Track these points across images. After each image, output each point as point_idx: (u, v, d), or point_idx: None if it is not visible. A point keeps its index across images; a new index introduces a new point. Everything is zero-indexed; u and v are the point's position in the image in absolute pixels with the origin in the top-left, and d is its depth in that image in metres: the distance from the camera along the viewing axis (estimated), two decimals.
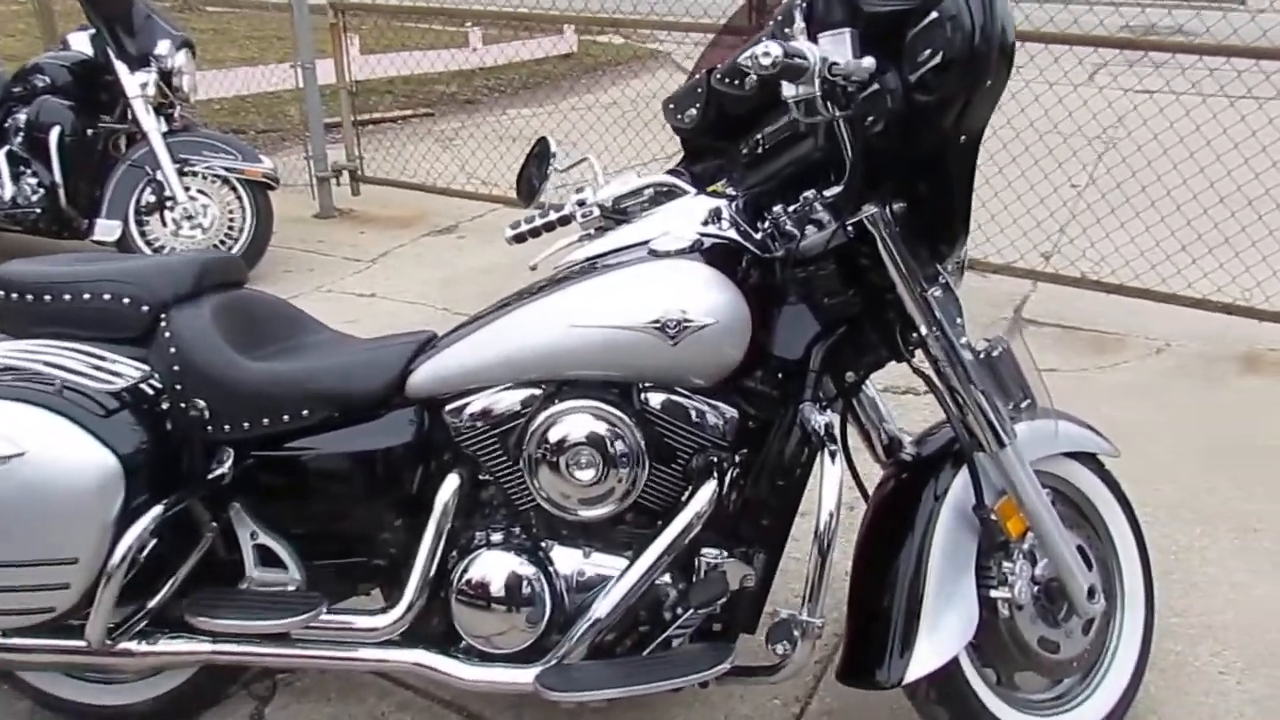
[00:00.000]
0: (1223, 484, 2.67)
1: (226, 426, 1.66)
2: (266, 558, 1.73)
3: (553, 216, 1.86)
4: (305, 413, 1.67)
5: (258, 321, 1.81)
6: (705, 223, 1.67)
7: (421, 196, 5.34)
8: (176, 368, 1.64)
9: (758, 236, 1.68)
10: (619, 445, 1.61)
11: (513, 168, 5.24)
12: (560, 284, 1.68)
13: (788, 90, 1.46)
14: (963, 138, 1.51)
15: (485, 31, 9.08)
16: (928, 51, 1.43)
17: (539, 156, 1.90)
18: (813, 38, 1.47)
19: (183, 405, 1.64)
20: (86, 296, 1.65)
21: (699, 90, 1.81)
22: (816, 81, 1.42)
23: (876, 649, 1.64)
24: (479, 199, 5.26)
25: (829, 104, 1.46)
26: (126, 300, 1.65)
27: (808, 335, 1.67)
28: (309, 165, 5.18)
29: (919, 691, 1.68)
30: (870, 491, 1.84)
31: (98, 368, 1.58)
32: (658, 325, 1.56)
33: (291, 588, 1.72)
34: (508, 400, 1.66)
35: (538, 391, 1.66)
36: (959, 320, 1.63)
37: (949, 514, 1.68)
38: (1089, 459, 1.89)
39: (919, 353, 1.68)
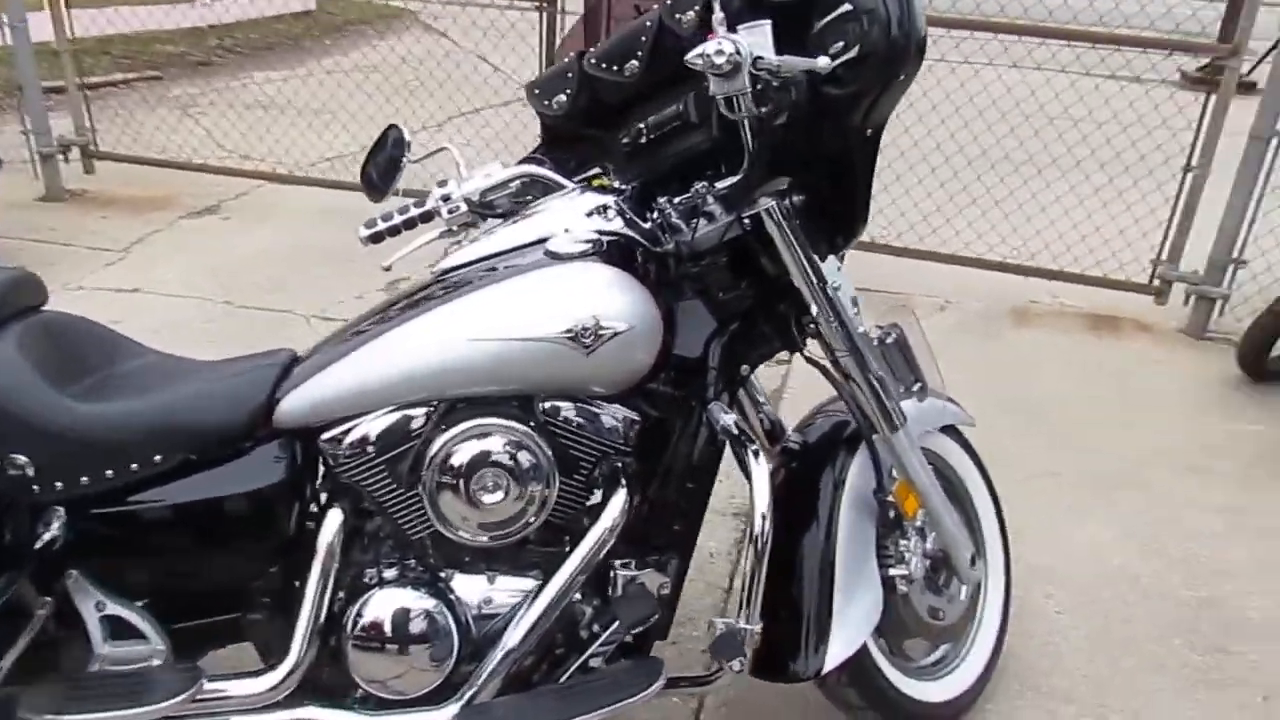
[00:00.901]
0: (1013, 434, 2.91)
1: (58, 484, 1.38)
2: (118, 629, 1.47)
3: (413, 212, 1.70)
4: (157, 458, 1.42)
5: (70, 350, 1.52)
6: (597, 219, 1.58)
7: (169, 174, 4.80)
8: None
9: (648, 230, 1.61)
10: (528, 464, 1.50)
11: (268, 138, 4.97)
12: (449, 293, 1.53)
13: (717, 87, 1.39)
14: (869, 130, 1.51)
15: None
16: (840, 44, 1.40)
17: (388, 146, 1.72)
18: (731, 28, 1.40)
19: (3, 464, 1.35)
20: None
21: (569, 75, 1.70)
22: (746, 78, 1.36)
23: (790, 642, 1.64)
24: (239, 175, 4.80)
25: (753, 101, 1.40)
26: None
27: (705, 331, 1.62)
28: (28, 140, 4.49)
29: (829, 677, 1.71)
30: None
31: None
32: (570, 334, 1.46)
33: (156, 661, 1.48)
34: (395, 423, 1.50)
35: (427, 411, 1.51)
36: (855, 309, 1.64)
37: (849, 500, 1.70)
38: (951, 429, 1.98)
39: (810, 341, 1.69)
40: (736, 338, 1.65)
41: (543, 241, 1.55)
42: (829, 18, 1.42)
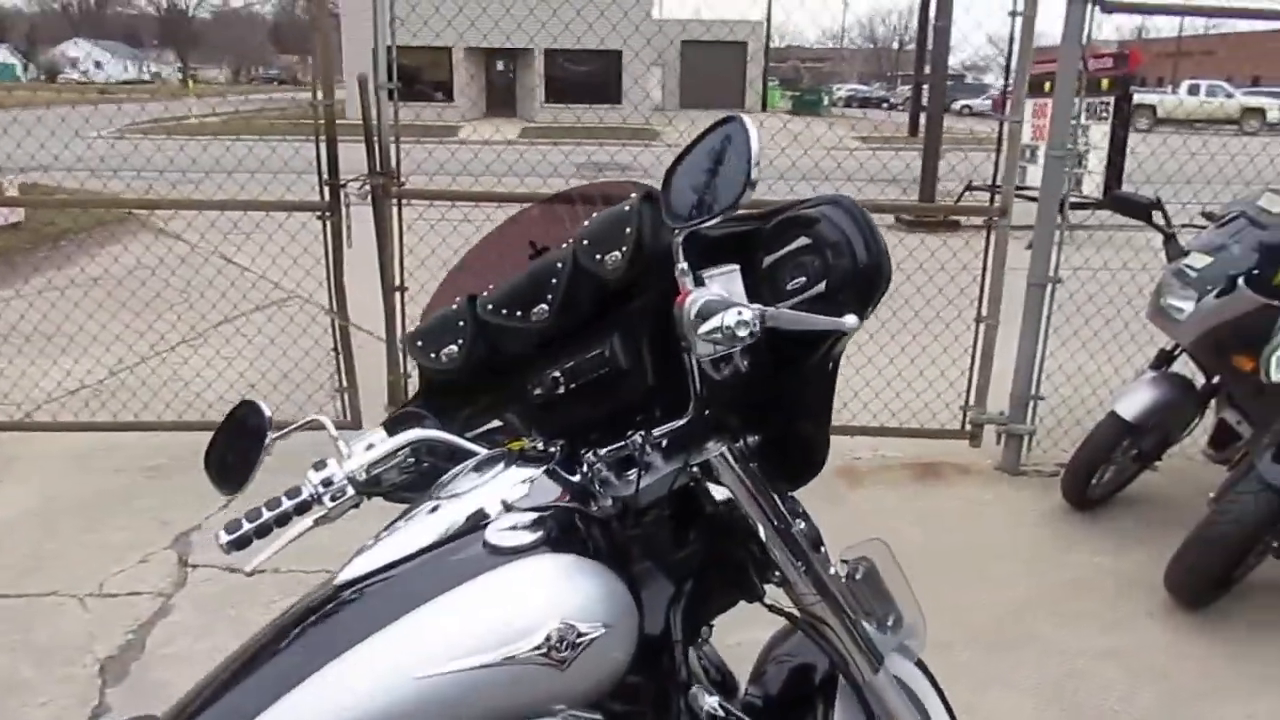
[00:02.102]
0: None
1: None
2: None
3: (286, 505, 1.38)
4: None
5: None
6: (530, 493, 1.35)
7: None
8: None
9: (584, 494, 1.39)
10: None
11: (10, 373, 4.29)
12: (365, 614, 1.22)
13: (705, 348, 1.22)
14: (830, 364, 1.39)
15: None
16: (801, 279, 1.29)
17: (242, 424, 1.43)
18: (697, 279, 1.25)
19: None
20: None
21: (460, 323, 1.48)
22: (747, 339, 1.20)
23: None
24: None
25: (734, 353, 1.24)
26: None
27: (664, 600, 1.41)
28: None
29: None
30: None
31: None
32: (542, 651, 1.19)
33: None
34: None
35: None
36: (822, 549, 1.49)
37: None
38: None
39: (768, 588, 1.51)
40: (693, 598, 1.45)
41: (469, 533, 1.29)
42: (782, 252, 1.30)
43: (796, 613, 1.52)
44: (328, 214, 3.71)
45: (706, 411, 1.37)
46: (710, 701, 1.38)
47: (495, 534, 1.28)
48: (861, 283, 1.28)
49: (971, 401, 3.87)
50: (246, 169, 4.93)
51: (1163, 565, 2.93)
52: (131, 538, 3.31)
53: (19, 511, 3.49)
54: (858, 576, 1.52)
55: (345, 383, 3.92)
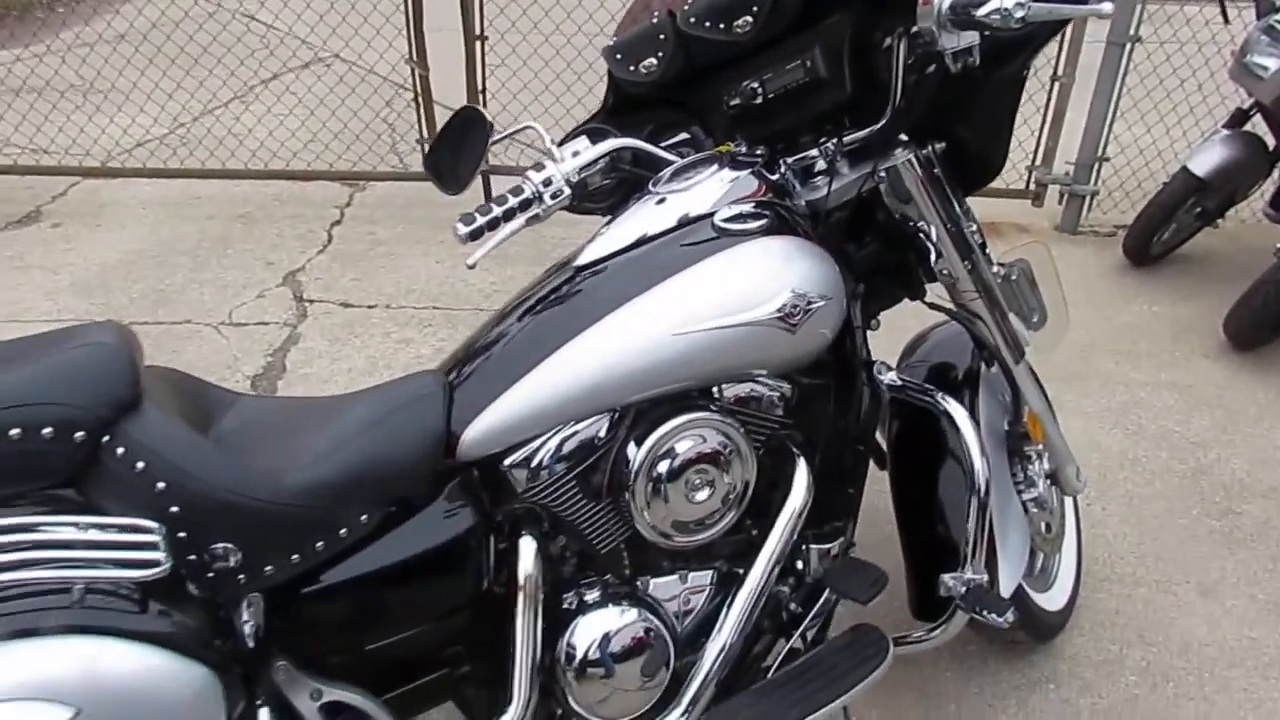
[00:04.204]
0: None
1: (268, 569, 1.17)
2: (335, 714, 1.28)
3: (512, 202, 1.51)
4: (363, 518, 1.24)
5: (191, 410, 1.29)
6: (747, 189, 1.50)
7: None
8: (176, 509, 1.11)
9: (789, 194, 1.55)
10: (731, 455, 1.43)
11: (48, 127, 4.34)
12: (617, 288, 1.40)
13: (949, 41, 1.33)
14: (1024, 73, 1.51)
15: None
16: None
17: (464, 129, 1.54)
18: None
19: (203, 557, 1.13)
20: None
21: (660, 36, 1.57)
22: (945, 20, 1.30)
23: None
24: (50, 173, 4.17)
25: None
26: (49, 431, 1.06)
27: (849, 290, 1.60)
28: None
29: None
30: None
31: (97, 545, 1.01)
32: (780, 314, 1.39)
33: None
34: (583, 436, 1.38)
35: (612, 419, 1.40)
36: (983, 245, 1.66)
37: (989, 437, 1.74)
38: None
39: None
40: (865, 295, 1.64)
41: (693, 223, 1.46)
42: None
43: (954, 308, 1.71)
44: None
45: (900, 118, 1.49)
46: (890, 375, 1.60)
47: (724, 220, 1.44)
48: None
49: (1038, 162, 3.97)
50: None
51: (1218, 316, 3.14)
52: (243, 277, 3.49)
53: (130, 253, 3.66)
54: (1013, 277, 1.69)
55: (426, 133, 4.00)
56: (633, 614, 1.44)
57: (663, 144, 1.61)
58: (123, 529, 1.05)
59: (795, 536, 1.52)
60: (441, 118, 4.00)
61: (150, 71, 4.58)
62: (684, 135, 1.67)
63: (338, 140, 4.27)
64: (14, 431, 1.04)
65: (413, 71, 3.93)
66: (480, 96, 3.87)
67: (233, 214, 4.02)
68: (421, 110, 3.99)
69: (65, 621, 0.96)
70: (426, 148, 3.99)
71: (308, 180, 4.21)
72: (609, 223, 1.52)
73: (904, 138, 1.54)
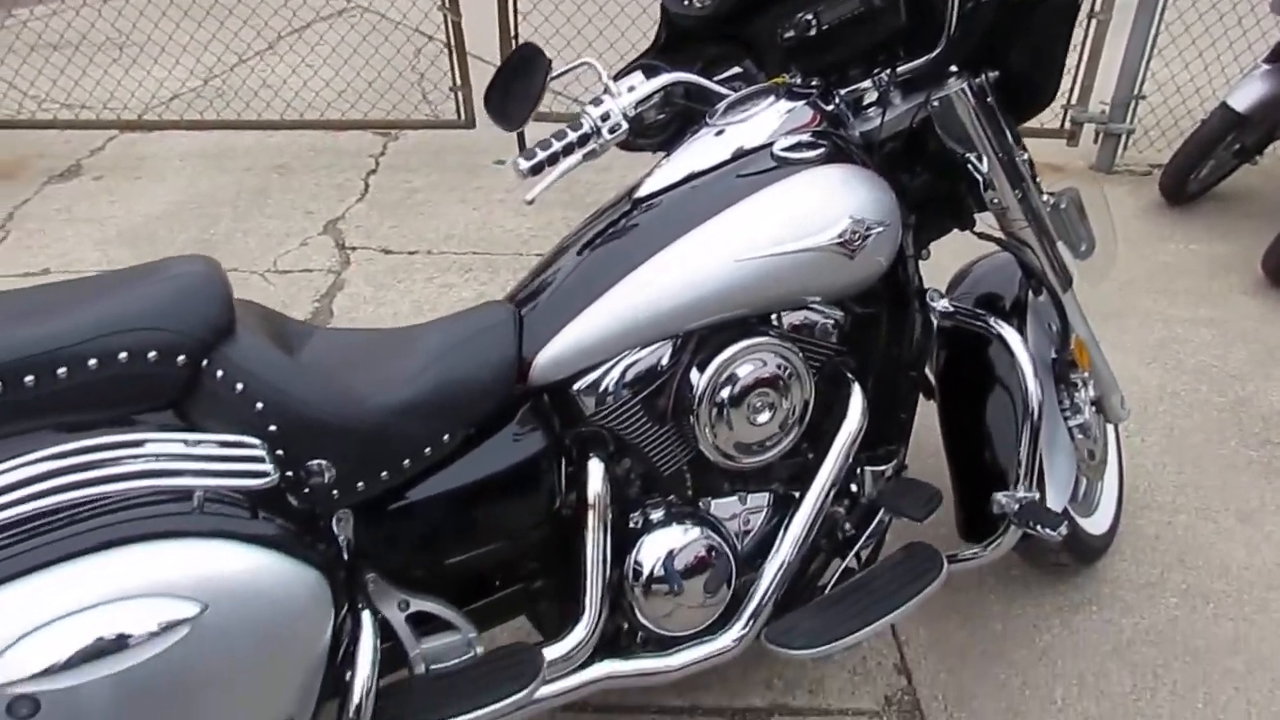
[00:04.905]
0: None
1: (359, 485, 1.23)
2: (422, 625, 1.36)
3: (572, 137, 1.54)
4: (445, 438, 1.30)
5: (279, 339, 1.34)
6: (802, 120, 1.53)
7: None
8: (274, 428, 1.17)
9: (843, 124, 1.57)
10: (791, 378, 1.48)
11: (85, 81, 4.37)
12: (679, 217, 1.44)
13: None
14: (1078, 1, 1.53)
15: None
16: None
17: (523, 66, 1.57)
18: None
19: (299, 474, 1.19)
20: (93, 364, 1.09)
21: None
22: None
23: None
24: (89, 127, 4.22)
25: None
26: (153, 355, 1.12)
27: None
28: None
29: None
30: None
31: (207, 458, 1.07)
32: (839, 240, 1.43)
33: (474, 649, 1.38)
34: (649, 361, 1.43)
35: (674, 344, 1.44)
36: (1037, 178, 1.69)
37: (1038, 364, 1.77)
38: None
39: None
40: (919, 223, 1.67)
41: (751, 153, 1.49)
42: None
43: (1003, 237, 1.74)
44: None
45: (955, 48, 1.51)
46: (942, 302, 1.63)
47: (782, 150, 1.47)
48: None
49: (1074, 101, 3.94)
50: None
51: (1255, 255, 3.15)
52: (285, 226, 3.55)
53: (172, 204, 3.72)
54: (1062, 205, 1.71)
55: (460, 80, 4.01)
56: (696, 533, 1.49)
57: (716, 79, 1.64)
58: (229, 444, 1.11)
59: (850, 459, 1.57)
60: (474, 64, 4.03)
61: (184, 24, 4.60)
62: (736, 69, 1.69)
63: (371, 90, 4.29)
64: (121, 356, 1.10)
65: (445, 18, 3.93)
66: (513, 43, 3.88)
67: (269, 164, 4.07)
68: (454, 57, 4.00)
69: (188, 526, 1.02)
70: (459, 96, 4.05)
71: (342, 130, 4.25)
72: (668, 155, 1.55)
73: (956, 68, 1.56)
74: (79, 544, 0.99)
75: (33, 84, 4.36)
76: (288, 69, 4.53)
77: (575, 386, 1.41)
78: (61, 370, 1.07)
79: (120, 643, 0.97)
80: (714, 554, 1.50)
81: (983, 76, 1.57)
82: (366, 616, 1.23)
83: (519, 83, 1.54)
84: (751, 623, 1.53)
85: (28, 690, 0.94)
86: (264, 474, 1.10)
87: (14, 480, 1.01)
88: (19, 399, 1.06)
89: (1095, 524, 2.00)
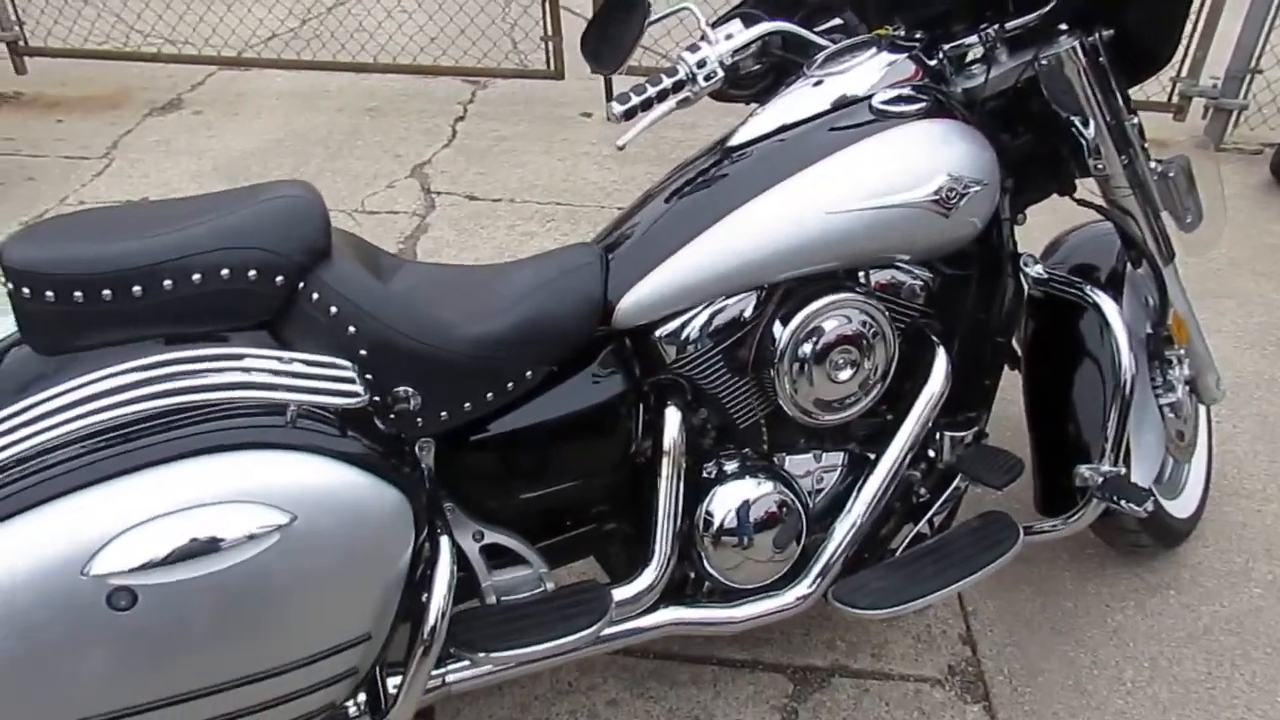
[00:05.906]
0: None
1: (443, 414, 1.26)
2: (495, 557, 1.39)
3: (666, 83, 1.52)
4: (528, 374, 1.31)
5: (372, 267, 1.37)
6: (903, 74, 1.49)
7: (103, 69, 4.29)
8: (364, 352, 1.20)
9: (946, 80, 1.53)
10: (875, 336, 1.46)
11: (189, 17, 4.46)
12: (772, 166, 1.42)
13: None
14: None
15: None
16: None
17: (620, 9, 1.55)
18: None
19: (386, 399, 1.22)
20: (196, 278, 1.13)
21: None
22: None
23: None
24: (193, 62, 4.34)
25: None
26: (253, 273, 1.16)
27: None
28: None
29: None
30: None
31: (302, 376, 1.11)
32: (936, 196, 1.40)
33: (544, 584, 1.41)
34: (733, 311, 1.42)
35: (759, 296, 1.43)
36: (1145, 145, 1.63)
37: (1131, 338, 1.72)
38: None
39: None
40: (1016, 185, 1.62)
41: (849, 105, 1.46)
42: None
43: (1105, 205, 1.68)
44: None
45: (1068, 4, 1.45)
46: (1037, 268, 1.59)
47: (882, 103, 1.44)
48: None
49: (1183, 73, 3.78)
50: None
51: None
52: (373, 168, 3.60)
53: (267, 141, 3.80)
54: (1170, 174, 1.64)
55: (551, 30, 4.01)
56: (768, 487, 1.49)
57: (815, 30, 1.61)
58: (321, 364, 1.14)
59: (930, 423, 1.55)
60: (565, 16, 4.01)
61: None
62: (836, 20, 1.66)
63: (463, 36, 4.31)
64: (224, 272, 1.13)
65: None
66: None
67: (361, 107, 4.12)
68: (546, 6, 3.99)
69: (282, 439, 1.06)
70: (550, 46, 4.04)
71: (432, 75, 4.28)
72: (764, 104, 1.53)
73: (1067, 25, 1.51)
74: (178, 448, 1.03)
75: (139, 17, 4.48)
76: (383, 12, 4.57)
77: (657, 333, 1.42)
78: (167, 282, 1.11)
79: (213, 544, 1.01)
80: (785, 509, 1.50)
81: (1095, 35, 1.51)
82: (444, 543, 1.25)
83: (616, 26, 1.52)
84: (819, 580, 1.52)
85: (127, 583, 0.99)
86: (355, 394, 1.12)
87: (120, 384, 1.05)
88: (127, 308, 1.10)
89: (1180, 507, 1.94)
